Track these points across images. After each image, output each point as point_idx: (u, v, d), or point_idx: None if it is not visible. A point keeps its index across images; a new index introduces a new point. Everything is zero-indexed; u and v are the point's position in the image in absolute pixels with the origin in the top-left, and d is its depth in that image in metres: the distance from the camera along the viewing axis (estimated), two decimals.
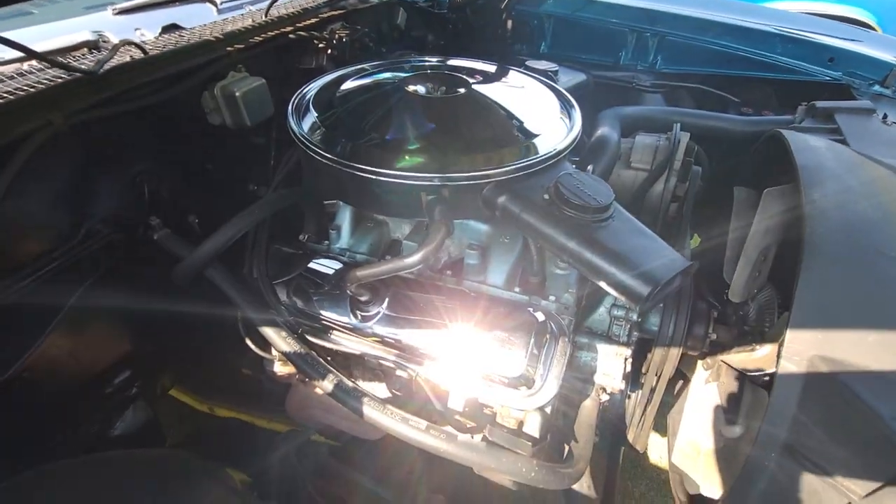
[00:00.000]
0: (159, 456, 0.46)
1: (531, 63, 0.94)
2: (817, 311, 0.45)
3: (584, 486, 0.81)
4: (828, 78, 1.08)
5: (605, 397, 0.73)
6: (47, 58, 0.58)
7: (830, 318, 0.45)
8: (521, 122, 0.68)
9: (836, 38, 1.10)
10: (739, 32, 1.13)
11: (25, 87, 0.58)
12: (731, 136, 0.93)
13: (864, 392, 0.41)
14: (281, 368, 0.82)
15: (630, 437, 0.85)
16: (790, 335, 0.46)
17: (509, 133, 0.66)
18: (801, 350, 0.45)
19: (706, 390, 0.78)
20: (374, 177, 0.57)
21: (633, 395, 0.83)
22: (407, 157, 0.59)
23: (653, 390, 0.76)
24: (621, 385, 0.70)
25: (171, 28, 0.86)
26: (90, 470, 0.52)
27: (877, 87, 1.05)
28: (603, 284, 0.53)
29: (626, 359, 0.70)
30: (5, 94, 0.56)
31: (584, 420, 0.69)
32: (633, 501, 1.12)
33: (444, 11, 1.25)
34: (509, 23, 1.28)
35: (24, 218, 0.60)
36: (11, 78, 0.60)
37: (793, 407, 0.45)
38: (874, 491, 0.39)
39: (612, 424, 0.89)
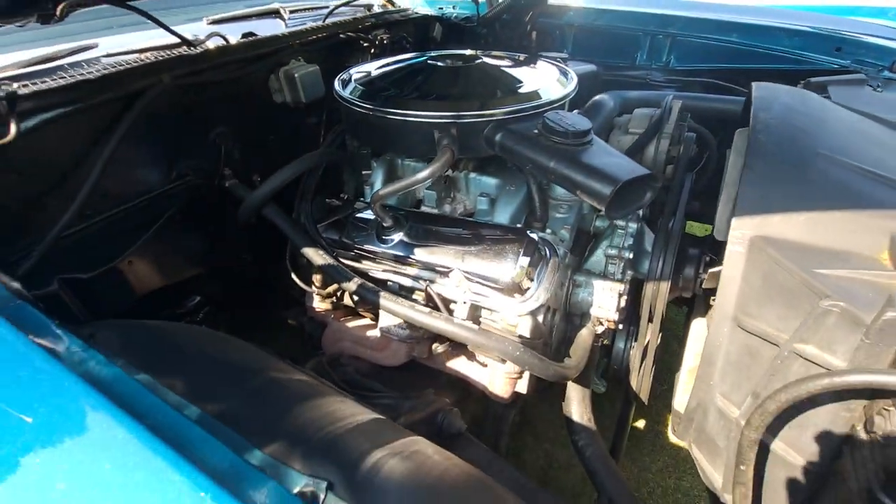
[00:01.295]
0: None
1: (544, 53, 1.08)
2: (757, 201, 0.53)
3: (590, 429, 0.86)
4: (836, 65, 1.13)
5: (600, 328, 0.80)
6: (166, 27, 0.78)
7: (767, 206, 0.52)
8: (522, 83, 0.81)
9: (843, 29, 1.16)
10: (745, 29, 1.21)
11: (145, 57, 0.79)
12: (730, 115, 1.01)
13: (788, 257, 0.48)
14: (319, 304, 0.95)
15: (633, 384, 0.90)
16: (734, 223, 0.53)
17: (511, 89, 0.79)
18: (743, 234, 0.52)
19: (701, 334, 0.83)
20: (395, 118, 0.72)
21: (636, 347, 0.89)
22: (424, 104, 0.73)
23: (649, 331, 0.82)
24: (614, 316, 0.77)
25: (249, 34, 1.08)
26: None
27: (886, 73, 1.09)
28: (578, 194, 0.63)
29: (619, 293, 0.78)
30: (133, 60, 0.77)
31: (580, 343, 0.76)
32: (650, 474, 1.13)
33: (474, 25, 1.43)
34: (534, 34, 1.43)
35: (135, 157, 0.79)
36: (139, 52, 0.81)
37: (738, 281, 0.52)
38: (797, 330, 0.45)
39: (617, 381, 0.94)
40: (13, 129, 0.57)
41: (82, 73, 0.71)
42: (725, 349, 0.54)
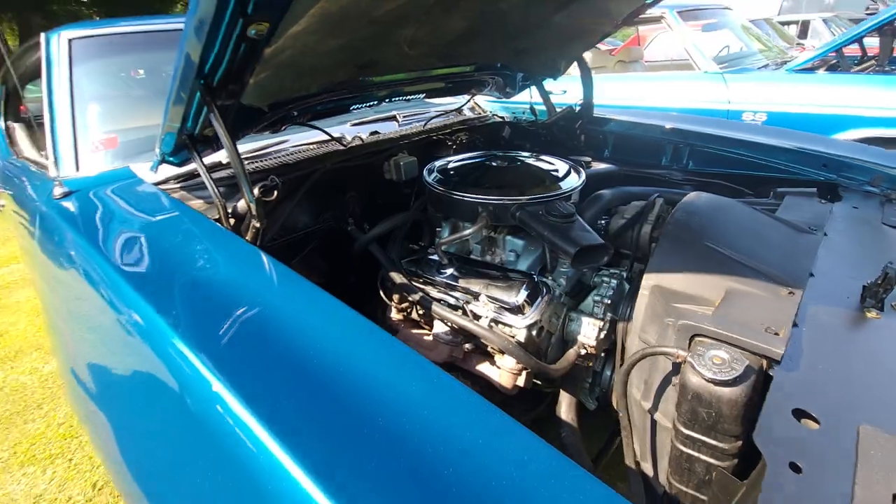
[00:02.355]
0: None
1: (574, 157, 1.48)
2: (657, 265, 0.87)
3: (573, 426, 1.15)
4: (822, 178, 1.39)
5: (583, 351, 1.12)
6: (331, 135, 1.32)
7: (663, 268, 0.86)
8: (542, 179, 1.21)
9: (829, 149, 1.42)
10: (750, 145, 1.52)
11: (315, 148, 1.33)
12: None
13: (665, 297, 0.81)
14: (395, 315, 1.37)
15: (613, 402, 1.18)
16: (646, 277, 0.87)
17: (532, 183, 1.20)
18: (647, 283, 0.86)
19: None
20: (456, 197, 1.15)
21: (616, 372, 1.18)
22: (473, 190, 1.16)
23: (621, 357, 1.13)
24: (594, 343, 1.10)
25: (374, 133, 1.63)
26: None
27: (866, 186, 1.33)
28: (559, 251, 1.00)
29: (599, 328, 1.10)
30: (307, 153, 1.31)
31: (566, 357, 1.09)
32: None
33: (537, 128, 1.88)
34: (582, 137, 1.85)
35: (302, 207, 1.31)
36: (311, 149, 1.36)
37: (642, 311, 0.86)
38: (658, 337, 0.77)
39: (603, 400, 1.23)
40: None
41: (282, 159, 1.26)
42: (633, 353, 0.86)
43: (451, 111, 1.89)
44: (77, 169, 1.24)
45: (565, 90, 3.27)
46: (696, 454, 0.68)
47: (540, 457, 0.46)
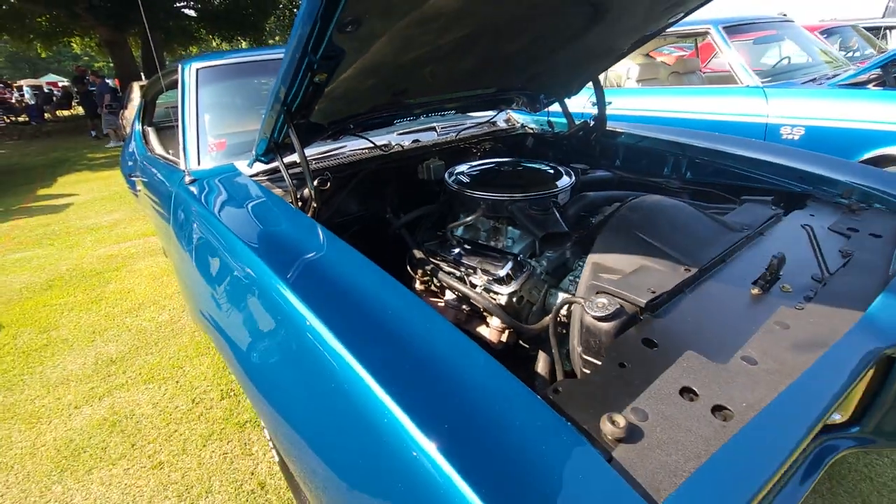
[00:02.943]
0: None
1: (573, 165, 1.76)
2: (601, 247, 1.15)
3: (545, 378, 1.44)
4: (799, 189, 1.56)
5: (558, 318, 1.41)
6: (375, 143, 1.72)
7: (601, 250, 1.14)
8: (536, 182, 1.52)
9: (806, 164, 1.59)
10: (739, 158, 1.71)
11: (365, 152, 1.73)
12: None
13: (598, 270, 1.10)
14: (418, 286, 1.73)
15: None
16: (589, 257, 1.16)
17: (527, 184, 1.51)
18: (590, 261, 1.15)
19: None
20: (468, 193, 1.48)
21: None
22: (481, 189, 1.49)
23: None
24: (565, 312, 1.38)
25: (415, 140, 2.00)
26: None
27: (837, 198, 1.49)
28: (533, 235, 1.30)
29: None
30: (359, 156, 1.71)
31: (542, 322, 1.38)
32: None
33: (556, 139, 2.16)
34: (597, 147, 2.11)
35: (351, 197, 1.71)
36: (362, 153, 1.76)
37: (583, 285, 1.14)
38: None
39: None
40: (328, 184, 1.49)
41: (340, 160, 1.67)
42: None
43: (484, 123, 2.23)
44: (199, 164, 1.72)
45: (610, 101, 3.54)
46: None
47: (503, 378, 0.69)
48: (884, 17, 8.04)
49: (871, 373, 0.87)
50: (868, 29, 6.94)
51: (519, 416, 0.63)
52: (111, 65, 18.19)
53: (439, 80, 1.49)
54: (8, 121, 15.29)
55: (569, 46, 1.57)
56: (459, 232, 1.57)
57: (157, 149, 2.61)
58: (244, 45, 22.32)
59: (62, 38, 16.79)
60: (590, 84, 1.96)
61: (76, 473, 1.68)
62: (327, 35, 0.93)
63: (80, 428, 1.90)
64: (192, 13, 16.49)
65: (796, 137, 2.76)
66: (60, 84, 24.69)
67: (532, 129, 2.31)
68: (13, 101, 17.15)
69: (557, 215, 1.36)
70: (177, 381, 2.15)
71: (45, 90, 19.49)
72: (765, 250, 1.15)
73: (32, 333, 2.67)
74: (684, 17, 1.60)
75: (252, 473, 1.62)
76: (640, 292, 0.95)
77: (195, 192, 1.56)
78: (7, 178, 7.43)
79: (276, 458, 1.51)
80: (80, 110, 15.25)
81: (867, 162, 2.56)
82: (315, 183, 1.34)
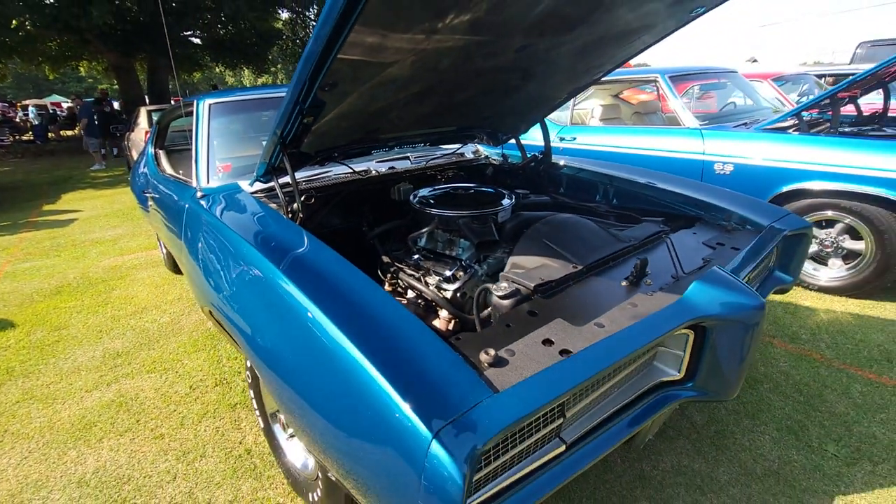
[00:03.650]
0: None
1: (519, 190, 2.14)
2: (518, 251, 1.51)
3: None
4: (693, 213, 1.94)
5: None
6: (354, 169, 2.09)
7: (520, 252, 1.49)
8: (479, 203, 1.88)
9: (704, 195, 1.97)
10: (652, 188, 2.10)
11: (345, 177, 2.10)
12: None
13: (514, 268, 1.45)
14: (387, 287, 2.06)
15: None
16: (510, 258, 1.51)
17: (473, 205, 1.87)
18: (509, 262, 1.50)
19: None
20: (425, 211, 1.85)
21: None
22: (435, 207, 1.86)
23: None
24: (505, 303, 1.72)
25: (391, 168, 2.38)
26: None
27: (720, 221, 1.87)
28: (472, 243, 1.66)
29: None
30: (341, 179, 2.08)
31: (480, 314, 1.72)
32: None
33: (512, 169, 2.56)
34: (545, 177, 2.50)
35: (333, 213, 2.07)
36: (344, 177, 2.13)
37: (502, 274, 1.49)
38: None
39: None
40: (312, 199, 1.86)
41: (325, 182, 2.04)
42: None
43: (452, 154, 2.62)
44: (208, 182, 2.08)
45: (574, 137, 4.01)
46: None
47: (422, 329, 1.09)
48: (850, 63, 8.70)
49: (692, 339, 1.22)
50: (833, 75, 7.57)
51: (430, 350, 0.97)
52: (115, 87, 18.75)
53: (404, 122, 1.87)
54: (13, 139, 15.69)
55: (511, 97, 1.97)
56: (423, 242, 1.92)
57: (168, 169, 2.98)
58: (247, 72, 23.06)
59: (71, 61, 17.43)
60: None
61: (89, 442, 1.97)
62: (313, 92, 1.30)
63: (91, 407, 2.19)
64: (197, 41, 17.22)
65: (727, 173, 3.18)
66: (64, 105, 25.30)
67: (494, 160, 2.70)
68: (17, 120, 17.61)
69: (493, 228, 1.73)
70: (176, 371, 2.45)
71: (50, 111, 20.01)
72: (643, 256, 1.51)
73: (45, 331, 2.96)
74: (604, 75, 2.01)
75: (240, 443, 1.92)
76: (532, 280, 1.31)
77: (204, 205, 1.91)
78: (13, 194, 7.75)
79: (262, 425, 1.81)
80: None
81: (783, 195, 2.98)
82: (302, 199, 1.70)
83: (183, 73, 19.85)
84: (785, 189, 2.95)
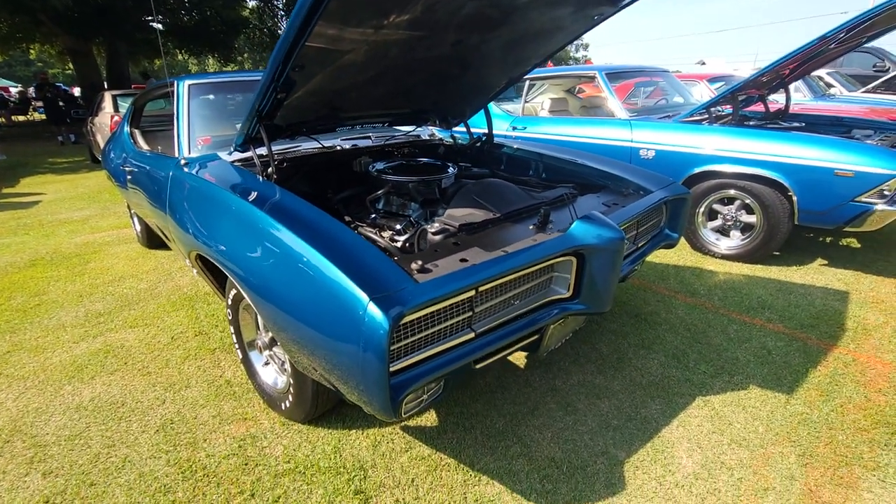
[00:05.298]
0: None
1: (462, 164, 2.52)
2: (452, 206, 1.88)
3: None
4: (602, 183, 2.37)
5: None
6: (322, 144, 2.42)
7: (454, 206, 1.87)
8: (432, 172, 2.25)
9: (610, 169, 2.41)
10: (573, 163, 2.53)
11: (314, 151, 2.42)
12: None
13: (448, 218, 1.83)
14: None
15: None
16: (447, 210, 1.89)
17: (420, 173, 2.24)
18: (444, 214, 1.88)
19: None
20: (380, 177, 2.20)
21: None
22: (389, 174, 2.21)
23: None
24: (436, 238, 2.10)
25: (354, 145, 2.72)
26: None
27: (622, 188, 2.31)
28: (419, 203, 2.03)
29: None
30: (309, 152, 2.41)
31: None
32: None
33: (462, 149, 2.94)
34: (488, 156, 2.89)
35: (300, 183, 2.39)
36: (313, 150, 2.46)
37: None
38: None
39: None
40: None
41: (296, 154, 2.35)
42: None
43: (408, 134, 2.98)
44: (189, 153, 2.37)
45: (525, 127, 4.45)
46: None
47: (369, 247, 1.46)
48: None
49: (575, 264, 1.63)
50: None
51: (371, 255, 1.33)
52: (68, 71, 18.06)
53: (363, 102, 2.22)
54: None
55: (453, 83, 2.34)
56: (381, 205, 2.27)
57: (144, 147, 3.21)
58: (211, 61, 22.56)
59: (21, 43, 16.70)
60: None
61: (82, 379, 2.23)
62: (286, 72, 1.64)
63: (80, 354, 2.44)
64: (159, 26, 16.82)
65: (650, 157, 3.67)
66: (13, 90, 24.08)
67: (446, 141, 3.07)
68: None
69: (437, 191, 2.10)
70: (157, 326, 2.72)
71: (4, 96, 19.08)
72: (549, 208, 1.91)
73: (25, 297, 3.15)
74: (534, 67, 2.40)
75: (221, 376, 2.23)
76: (459, 221, 1.69)
77: (187, 171, 2.20)
78: None
79: (240, 357, 2.13)
80: (38, 116, 15.13)
81: (695, 176, 3.48)
82: (275, 163, 2.03)
83: (143, 59, 19.29)
84: (696, 171, 3.45)
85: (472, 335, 1.43)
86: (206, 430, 1.88)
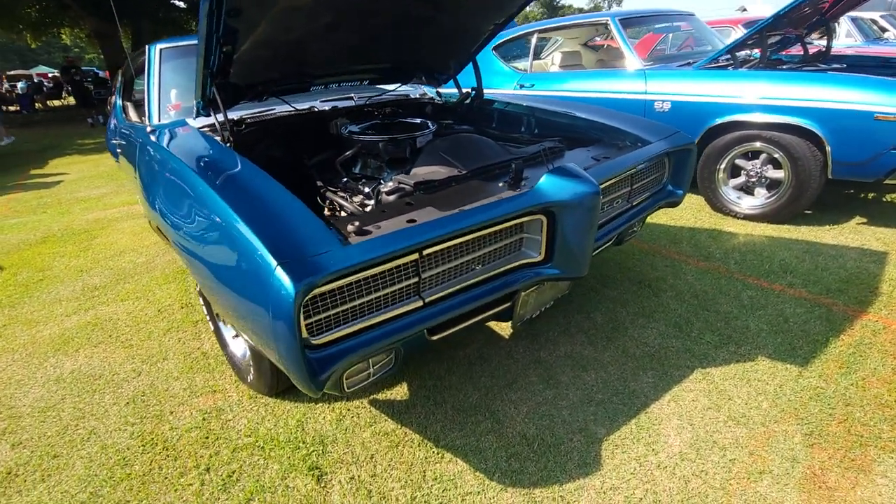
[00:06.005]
0: None
1: (443, 121, 2.33)
2: (418, 163, 1.72)
3: None
4: (596, 136, 2.14)
5: None
6: (294, 107, 2.28)
7: (420, 163, 1.71)
8: (408, 131, 2.08)
9: (606, 121, 2.16)
10: (565, 116, 2.29)
11: (288, 113, 2.29)
12: None
13: (414, 178, 1.67)
14: (326, 212, 2.29)
15: None
16: (413, 168, 1.73)
17: (394, 132, 2.07)
18: (410, 172, 1.72)
19: None
20: (353, 137, 2.05)
21: None
22: (361, 135, 2.05)
23: None
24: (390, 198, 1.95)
25: (334, 107, 2.56)
26: None
27: (617, 141, 2.07)
28: (387, 162, 1.87)
29: None
30: (286, 114, 2.27)
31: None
32: None
33: (451, 107, 2.73)
34: (479, 113, 2.68)
35: (275, 147, 2.27)
36: (288, 113, 2.32)
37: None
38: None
39: None
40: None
41: (269, 117, 2.23)
42: None
43: (393, 93, 2.79)
44: (159, 119, 2.28)
45: (533, 84, 4.18)
46: None
47: (304, 210, 1.33)
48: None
49: (545, 223, 1.45)
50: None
51: (300, 219, 1.20)
52: (101, 56, 18.51)
53: (332, 56, 2.05)
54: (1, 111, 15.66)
55: (429, 29, 2.13)
56: (357, 169, 2.12)
57: (134, 118, 3.16)
58: None
59: (51, 28, 17.13)
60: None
61: (66, 352, 2.25)
62: (222, 20, 1.49)
63: (70, 327, 2.46)
64: (182, 4, 16.85)
65: (665, 110, 3.35)
66: (50, 75, 24.95)
67: (436, 100, 2.87)
68: (4, 91, 17.50)
69: (408, 149, 1.93)
70: (147, 299, 2.71)
71: (35, 80, 19.81)
72: (523, 164, 1.72)
73: (30, 272, 3.22)
74: (521, 8, 2.15)
75: (199, 349, 2.19)
76: (416, 180, 1.53)
77: (153, 139, 2.11)
78: (3, 161, 7.91)
79: (212, 328, 2.08)
80: (71, 100, 15.61)
81: (716, 128, 3.15)
82: (231, 127, 1.91)
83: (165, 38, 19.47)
84: (717, 122, 3.12)
85: (419, 303, 1.29)
86: (175, 402, 1.85)
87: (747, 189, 3.24)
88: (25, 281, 3.09)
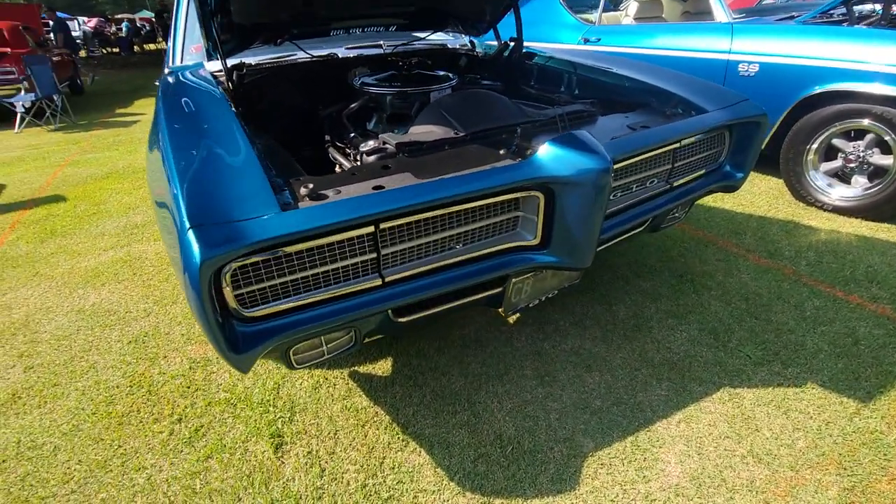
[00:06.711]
0: None
1: (471, 75, 2.07)
2: (419, 120, 1.52)
3: None
4: (641, 100, 1.80)
5: None
6: (310, 53, 2.13)
7: (420, 121, 1.51)
8: (424, 83, 1.86)
9: (656, 82, 1.80)
10: (609, 74, 1.95)
11: (310, 58, 2.15)
12: None
13: (406, 134, 1.48)
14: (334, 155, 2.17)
15: None
16: (412, 127, 1.54)
17: (417, 85, 1.86)
18: (408, 130, 1.53)
19: None
20: (364, 89, 1.87)
21: None
22: (372, 86, 1.87)
23: None
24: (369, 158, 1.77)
25: (359, 55, 2.38)
26: None
27: (664, 109, 1.72)
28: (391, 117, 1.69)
29: None
30: (304, 60, 2.13)
31: None
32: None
33: (487, 60, 2.45)
34: (517, 67, 2.38)
35: (308, 90, 2.15)
36: (307, 60, 2.18)
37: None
38: None
39: None
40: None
41: (287, 62, 2.10)
42: None
43: (425, 41, 2.55)
44: (181, 61, 2.23)
45: (599, 39, 3.73)
46: None
47: (249, 162, 1.21)
48: None
49: (542, 202, 1.22)
50: None
51: (245, 177, 1.07)
52: None
53: None
54: (104, 52, 16.99)
55: None
56: (371, 125, 1.95)
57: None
58: None
59: None
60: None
61: (94, 285, 2.37)
62: None
63: (104, 262, 2.60)
64: None
65: (751, 74, 2.82)
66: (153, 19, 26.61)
67: (473, 52, 2.59)
68: (109, 34, 18.91)
69: (415, 106, 1.73)
70: (135, 275, 2.80)
71: (138, 24, 21.19)
72: (540, 131, 1.46)
73: (87, 205, 3.45)
74: None
75: None
76: (399, 140, 1.34)
77: (171, 81, 2.07)
78: (97, 99, 8.60)
79: None
80: (164, 45, 16.48)
81: (813, 98, 2.61)
82: (234, 71, 1.80)
83: None
84: (817, 90, 2.57)
85: (378, 282, 1.14)
86: (170, 347, 1.88)
87: (843, 176, 2.69)
88: (81, 213, 3.31)
